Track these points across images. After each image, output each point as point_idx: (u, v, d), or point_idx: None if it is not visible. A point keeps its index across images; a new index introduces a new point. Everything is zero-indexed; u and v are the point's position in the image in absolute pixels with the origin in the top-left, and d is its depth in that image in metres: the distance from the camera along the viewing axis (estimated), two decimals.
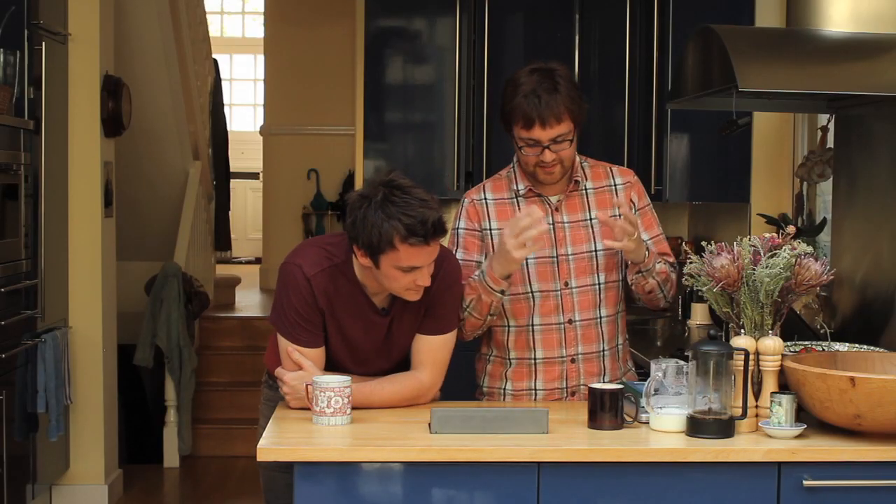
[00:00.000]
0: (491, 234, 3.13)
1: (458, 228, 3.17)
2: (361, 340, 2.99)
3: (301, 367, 2.91)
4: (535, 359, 3.13)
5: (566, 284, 3.10)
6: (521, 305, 3.11)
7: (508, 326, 3.14)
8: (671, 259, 3.18)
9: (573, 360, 3.12)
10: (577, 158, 3.13)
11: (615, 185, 3.15)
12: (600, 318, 3.13)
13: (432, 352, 2.99)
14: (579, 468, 2.61)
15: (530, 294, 3.10)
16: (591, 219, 3.12)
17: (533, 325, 3.12)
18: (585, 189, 3.14)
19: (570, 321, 3.11)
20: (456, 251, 3.14)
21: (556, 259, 3.10)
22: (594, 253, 3.11)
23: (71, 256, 5.24)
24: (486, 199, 3.16)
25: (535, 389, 3.15)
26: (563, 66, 3.04)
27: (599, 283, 3.11)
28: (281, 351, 2.97)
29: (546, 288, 3.10)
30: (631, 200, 3.14)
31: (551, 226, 3.10)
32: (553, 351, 3.12)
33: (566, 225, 3.12)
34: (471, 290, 3.03)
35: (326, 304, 2.92)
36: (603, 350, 3.14)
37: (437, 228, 2.78)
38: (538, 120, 2.95)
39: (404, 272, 2.80)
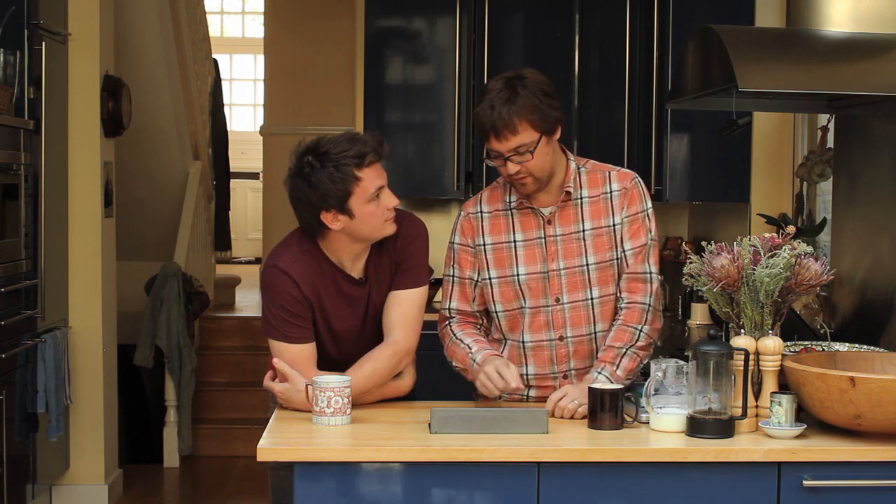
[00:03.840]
0: (484, 248, 3.08)
1: (453, 243, 3.14)
2: (347, 318, 3.02)
3: (286, 377, 2.93)
4: (527, 374, 3.10)
5: (557, 300, 3.04)
6: (517, 321, 3.08)
7: (506, 340, 3.12)
8: (646, 275, 3.01)
9: (565, 377, 3.08)
10: (574, 164, 3.05)
11: (611, 193, 3.04)
12: (594, 333, 3.06)
13: (403, 307, 3.00)
14: (579, 468, 2.61)
15: (524, 309, 3.07)
16: (583, 230, 3.03)
17: (524, 342, 3.08)
18: (580, 198, 3.04)
19: (560, 338, 3.05)
20: (451, 266, 3.13)
21: (546, 274, 3.03)
22: (586, 267, 3.02)
23: (71, 256, 5.24)
24: (481, 212, 3.10)
25: (529, 398, 3.13)
26: (535, 73, 2.93)
27: (593, 299, 3.03)
28: (274, 355, 2.99)
29: (537, 304, 3.05)
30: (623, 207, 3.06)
31: (542, 240, 3.04)
32: (545, 367, 3.09)
33: (558, 238, 3.03)
34: (460, 361, 3.08)
35: (312, 293, 2.96)
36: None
37: (380, 142, 2.90)
38: (492, 131, 2.89)
39: (376, 202, 2.88)
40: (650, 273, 3.03)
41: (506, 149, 2.90)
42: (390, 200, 2.93)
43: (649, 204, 3.07)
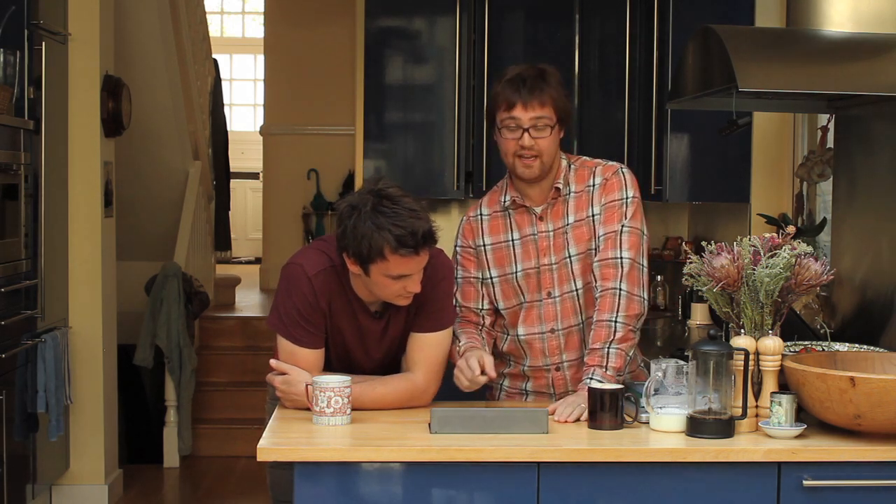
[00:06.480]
0: (484, 249, 3.14)
1: (456, 246, 3.20)
2: (355, 345, 2.99)
3: (284, 372, 2.92)
4: (524, 366, 3.16)
5: (549, 294, 3.09)
6: (516, 316, 3.14)
7: (507, 335, 3.16)
8: (616, 260, 3.00)
9: (558, 368, 3.12)
10: (564, 162, 3.09)
11: (593, 186, 3.07)
12: (582, 323, 3.09)
13: (426, 350, 2.97)
14: (579, 468, 2.61)
15: (522, 304, 3.11)
16: (567, 224, 3.07)
17: (519, 336, 3.13)
18: (569, 194, 3.08)
19: (552, 330, 3.10)
20: (456, 268, 3.15)
21: (538, 269, 3.08)
22: (569, 259, 3.07)
23: (71, 256, 5.24)
24: (481, 214, 3.16)
25: (527, 391, 3.19)
26: (554, 69, 3.04)
27: (577, 290, 3.07)
28: (280, 353, 2.97)
29: (531, 298, 3.10)
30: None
31: (535, 236, 3.09)
32: (538, 360, 3.13)
33: (550, 234, 3.08)
34: (451, 358, 3.06)
35: (327, 306, 2.93)
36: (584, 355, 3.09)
37: (428, 238, 2.79)
38: (520, 100, 2.94)
39: (394, 280, 2.81)
40: (621, 258, 3.01)
41: (527, 117, 2.95)
42: (413, 287, 2.85)
43: (631, 193, 3.06)
